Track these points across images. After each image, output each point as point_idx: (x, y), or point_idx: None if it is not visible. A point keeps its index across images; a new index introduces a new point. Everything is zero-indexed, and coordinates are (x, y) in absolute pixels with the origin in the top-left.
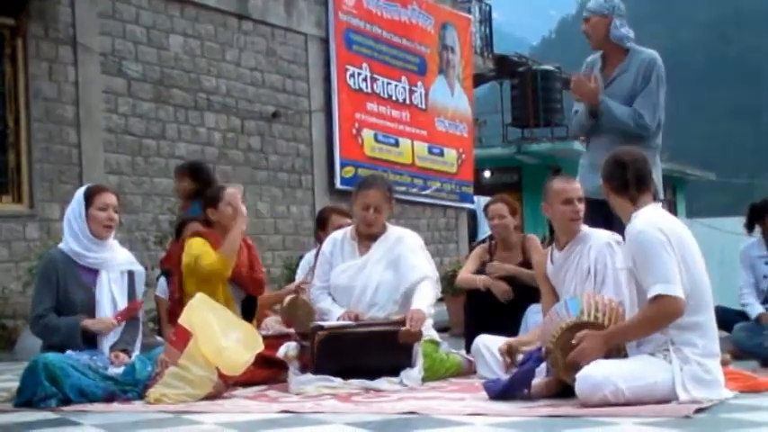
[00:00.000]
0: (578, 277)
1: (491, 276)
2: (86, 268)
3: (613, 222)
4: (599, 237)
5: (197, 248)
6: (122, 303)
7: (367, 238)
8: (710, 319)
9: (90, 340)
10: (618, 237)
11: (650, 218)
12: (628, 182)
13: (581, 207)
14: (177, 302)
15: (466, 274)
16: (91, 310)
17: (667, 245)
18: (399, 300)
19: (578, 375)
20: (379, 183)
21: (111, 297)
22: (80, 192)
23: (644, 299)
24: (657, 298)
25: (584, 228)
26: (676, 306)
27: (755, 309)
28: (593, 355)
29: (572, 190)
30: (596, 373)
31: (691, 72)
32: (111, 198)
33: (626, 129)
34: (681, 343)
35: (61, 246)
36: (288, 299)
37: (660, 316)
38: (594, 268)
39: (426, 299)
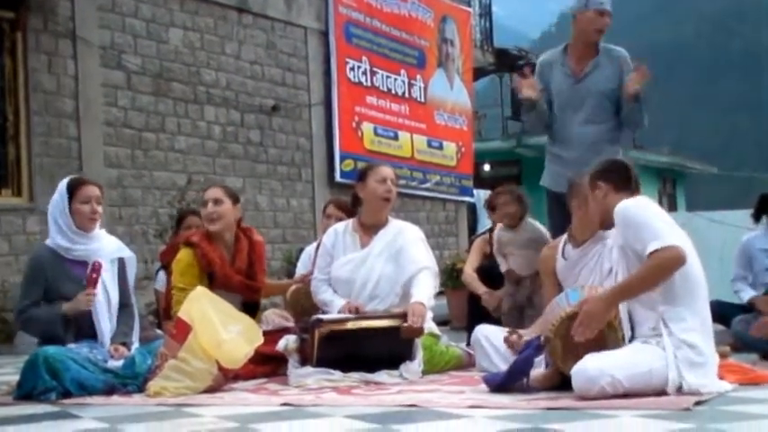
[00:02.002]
0: (596, 276)
1: (486, 301)
2: (75, 261)
3: None
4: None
5: (179, 278)
6: (114, 292)
7: (370, 229)
8: (702, 296)
9: (90, 333)
10: None
11: (633, 198)
12: (632, 180)
13: None
14: (172, 301)
15: (470, 272)
16: None
17: (651, 207)
18: (400, 292)
19: (573, 370)
20: (386, 163)
21: (103, 287)
22: (62, 185)
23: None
24: (655, 251)
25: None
26: (676, 252)
27: (747, 293)
28: (597, 317)
29: None
30: (591, 367)
31: (693, 65)
32: (94, 191)
33: (640, 121)
34: (671, 320)
35: (47, 242)
36: (291, 289)
37: (661, 265)
38: (616, 269)
39: (426, 290)
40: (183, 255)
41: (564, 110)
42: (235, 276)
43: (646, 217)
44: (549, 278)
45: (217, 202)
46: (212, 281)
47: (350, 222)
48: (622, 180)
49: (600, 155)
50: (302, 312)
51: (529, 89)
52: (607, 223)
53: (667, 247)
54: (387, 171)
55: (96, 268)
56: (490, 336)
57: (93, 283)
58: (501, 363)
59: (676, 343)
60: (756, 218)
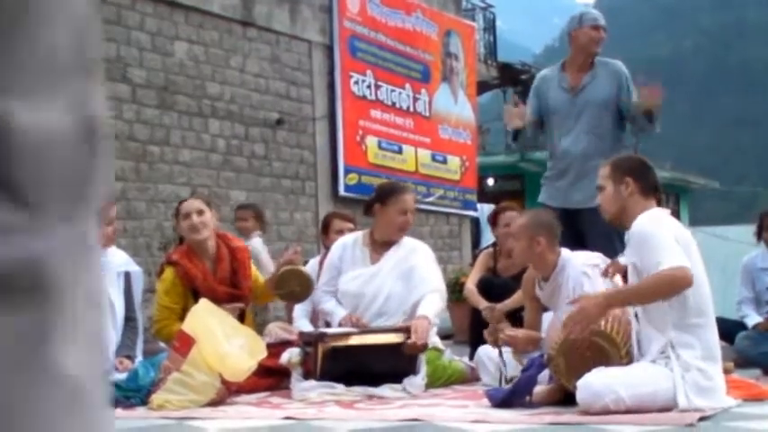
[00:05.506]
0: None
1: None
2: None
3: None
4: (575, 265)
5: (164, 297)
6: (121, 306)
7: (381, 246)
8: (711, 324)
9: None
10: (595, 259)
11: (651, 214)
12: (657, 185)
13: None
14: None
15: (471, 287)
16: None
17: (667, 232)
18: (408, 311)
19: (579, 383)
20: (410, 188)
21: (109, 300)
22: None
23: None
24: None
25: (564, 253)
26: (684, 274)
27: (753, 319)
28: (591, 315)
29: None
30: (597, 381)
31: (694, 81)
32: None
33: (647, 126)
34: (680, 345)
35: None
36: (282, 270)
37: (670, 281)
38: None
39: (432, 308)
40: (167, 274)
41: (561, 125)
42: (219, 288)
43: (661, 237)
44: (530, 302)
45: (200, 212)
46: (197, 296)
47: (360, 236)
48: (651, 184)
49: (596, 167)
50: (290, 296)
51: (516, 119)
52: (620, 221)
53: (678, 267)
54: (409, 203)
55: None
56: (493, 355)
57: None
58: (504, 382)
59: (685, 365)
60: (759, 236)
